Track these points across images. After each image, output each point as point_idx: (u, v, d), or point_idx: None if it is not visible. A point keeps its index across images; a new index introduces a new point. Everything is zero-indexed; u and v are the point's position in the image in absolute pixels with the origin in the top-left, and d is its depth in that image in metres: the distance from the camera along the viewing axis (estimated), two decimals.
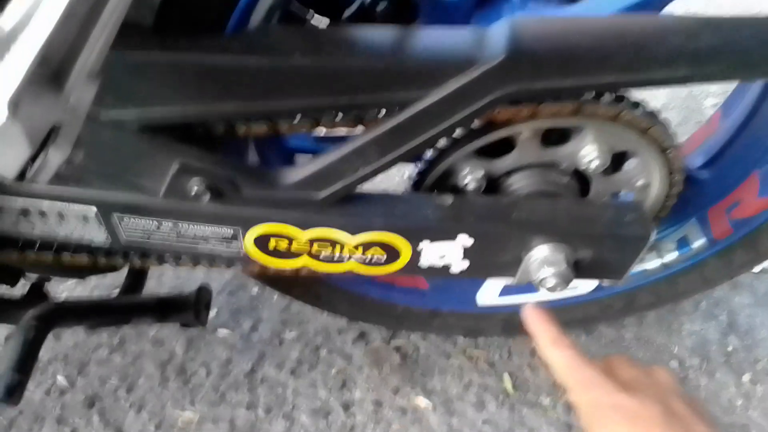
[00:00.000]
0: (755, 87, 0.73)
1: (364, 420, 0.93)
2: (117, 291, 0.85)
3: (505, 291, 0.89)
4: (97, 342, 1.04)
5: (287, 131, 0.56)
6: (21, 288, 0.75)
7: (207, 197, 0.55)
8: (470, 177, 0.61)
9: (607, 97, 0.56)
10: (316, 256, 0.61)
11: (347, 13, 0.68)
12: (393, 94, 0.52)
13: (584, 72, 0.50)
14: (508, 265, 0.61)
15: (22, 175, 0.36)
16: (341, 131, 0.58)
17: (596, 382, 0.48)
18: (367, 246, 0.59)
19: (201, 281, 0.88)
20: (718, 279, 0.83)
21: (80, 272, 0.76)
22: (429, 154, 0.60)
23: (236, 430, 0.92)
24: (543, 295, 0.80)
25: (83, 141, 0.39)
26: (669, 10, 0.58)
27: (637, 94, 0.58)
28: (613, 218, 0.58)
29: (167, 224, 0.58)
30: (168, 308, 0.79)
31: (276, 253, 0.61)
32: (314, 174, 0.56)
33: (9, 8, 0.31)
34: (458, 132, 0.57)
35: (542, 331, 0.54)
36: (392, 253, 0.60)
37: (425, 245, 0.59)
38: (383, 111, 0.54)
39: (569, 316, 0.92)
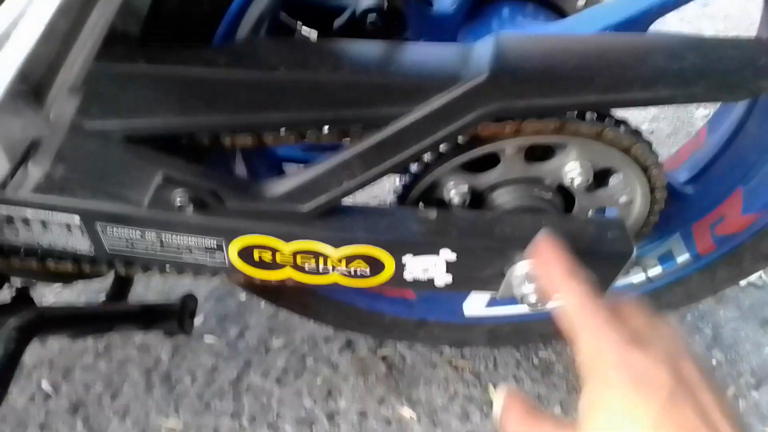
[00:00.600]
0: (740, 105, 0.74)
1: (349, 430, 0.93)
2: (104, 294, 0.84)
3: (492, 302, 0.89)
4: (83, 347, 1.03)
5: (272, 143, 0.56)
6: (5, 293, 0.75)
7: (191, 209, 0.55)
8: (455, 191, 0.61)
9: (590, 115, 0.56)
10: (300, 268, 0.61)
11: (336, 24, 0.69)
12: (378, 109, 0.52)
13: (567, 91, 0.50)
14: (492, 280, 0.61)
15: (2, 187, 0.36)
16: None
17: (605, 331, 0.43)
18: (350, 259, 0.59)
19: (189, 287, 0.88)
20: (702, 294, 0.83)
21: (65, 278, 0.76)
22: (414, 167, 0.61)
23: None
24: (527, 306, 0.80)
25: (67, 150, 0.39)
26: (655, 28, 0.58)
27: (621, 112, 0.59)
28: (595, 235, 0.59)
29: (151, 234, 0.58)
30: (152, 317, 0.79)
31: (260, 265, 0.61)
32: (298, 187, 0.56)
33: None
34: (443, 147, 0.58)
35: (554, 263, 0.50)
36: (376, 266, 0.60)
37: (408, 259, 0.59)
38: (369, 125, 0.54)
39: (555, 328, 0.92)
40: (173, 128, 0.54)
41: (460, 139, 0.57)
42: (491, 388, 0.98)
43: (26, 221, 0.59)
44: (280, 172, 0.88)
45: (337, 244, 0.58)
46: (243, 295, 1.14)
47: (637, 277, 0.83)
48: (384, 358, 1.03)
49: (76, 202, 0.56)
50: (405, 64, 0.54)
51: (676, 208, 0.74)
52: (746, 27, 1.94)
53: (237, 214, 0.56)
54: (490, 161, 0.60)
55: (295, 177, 0.56)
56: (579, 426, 0.41)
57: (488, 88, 0.49)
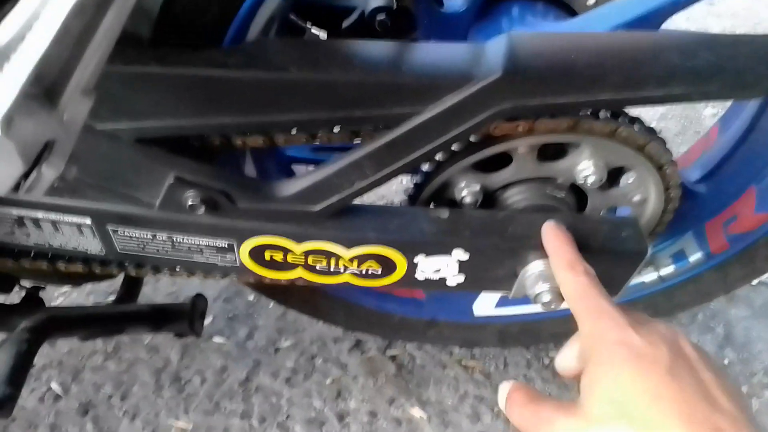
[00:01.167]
0: (753, 102, 0.73)
1: (359, 431, 0.93)
2: (113, 296, 0.84)
3: (502, 302, 0.89)
4: (92, 348, 1.04)
5: (283, 143, 0.56)
6: (16, 294, 0.75)
7: (202, 210, 0.54)
8: (467, 191, 0.61)
9: (604, 113, 0.56)
10: (311, 269, 0.61)
11: (345, 24, 0.68)
12: (390, 109, 0.52)
13: (580, 90, 0.49)
14: (504, 280, 0.61)
15: (15, 189, 0.36)
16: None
17: (607, 313, 0.44)
18: (362, 259, 0.59)
19: (197, 288, 0.87)
20: (715, 293, 0.83)
21: (76, 280, 0.76)
22: (426, 167, 0.60)
23: None
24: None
25: (78, 153, 0.39)
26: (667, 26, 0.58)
27: (635, 110, 0.58)
28: (609, 234, 0.58)
29: (162, 236, 0.58)
30: (162, 318, 0.79)
31: (271, 265, 0.61)
32: (310, 187, 0.56)
33: (2, 26, 0.31)
34: (455, 146, 0.57)
35: (559, 252, 0.52)
36: (388, 267, 0.60)
37: (421, 259, 0.59)
38: (380, 125, 0.54)
39: (566, 328, 0.91)
40: (184, 129, 0.54)
41: (473, 138, 0.56)
42: None
43: (37, 223, 0.59)
44: (289, 173, 0.88)
45: (349, 245, 0.58)
46: (252, 296, 1.14)
47: (649, 276, 0.83)
48: (393, 359, 1.03)
49: (88, 204, 0.56)
50: (416, 63, 0.53)
51: (688, 207, 0.73)
52: (753, 25, 1.93)
53: (248, 214, 0.56)
54: (503, 160, 0.60)
55: (306, 177, 0.56)
56: (579, 405, 0.41)
57: (501, 86, 0.49)
